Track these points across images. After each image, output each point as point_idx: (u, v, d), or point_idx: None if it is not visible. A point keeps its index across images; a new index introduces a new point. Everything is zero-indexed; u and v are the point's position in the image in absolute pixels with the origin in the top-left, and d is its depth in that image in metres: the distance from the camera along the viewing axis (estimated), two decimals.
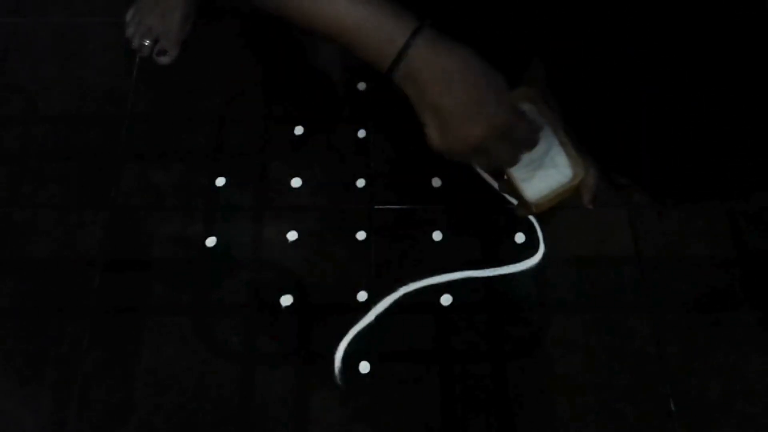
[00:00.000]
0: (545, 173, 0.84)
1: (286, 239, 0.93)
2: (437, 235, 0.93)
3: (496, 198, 0.96)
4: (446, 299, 0.89)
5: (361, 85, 1.05)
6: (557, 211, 0.95)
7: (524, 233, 0.93)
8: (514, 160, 0.72)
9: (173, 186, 0.97)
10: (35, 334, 0.87)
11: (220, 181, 0.97)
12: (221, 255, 0.92)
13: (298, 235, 0.93)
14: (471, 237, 0.93)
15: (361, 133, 1.00)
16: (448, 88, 0.65)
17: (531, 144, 0.71)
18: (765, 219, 0.95)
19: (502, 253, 0.92)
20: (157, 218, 0.95)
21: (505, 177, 0.87)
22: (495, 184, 0.97)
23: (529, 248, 0.93)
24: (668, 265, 0.92)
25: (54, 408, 0.83)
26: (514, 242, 0.93)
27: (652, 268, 0.91)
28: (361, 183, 0.97)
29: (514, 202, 0.94)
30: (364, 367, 0.85)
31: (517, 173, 0.84)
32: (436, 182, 0.97)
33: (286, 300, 0.89)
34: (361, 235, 0.93)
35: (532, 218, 0.94)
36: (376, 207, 0.95)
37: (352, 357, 0.85)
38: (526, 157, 0.84)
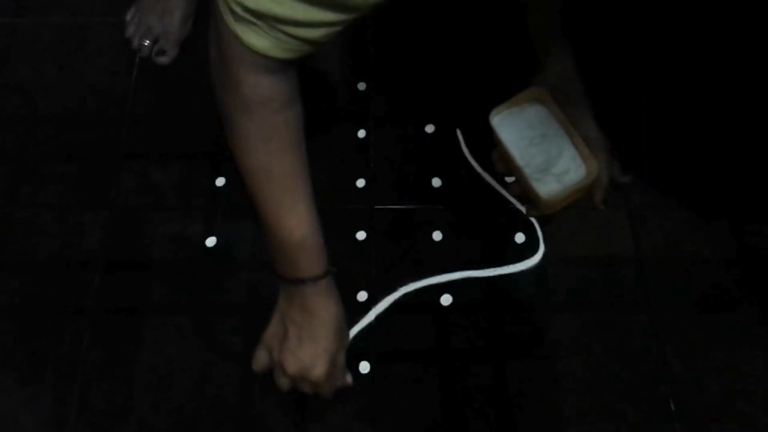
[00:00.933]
0: (558, 172, 0.85)
1: None
2: (437, 235, 0.93)
3: (496, 198, 0.96)
4: (446, 299, 0.89)
5: (361, 85, 1.05)
6: (557, 211, 0.95)
7: (524, 233, 0.93)
8: (326, 394, 0.81)
9: (173, 186, 0.97)
10: (35, 334, 0.87)
11: (220, 181, 0.97)
12: (221, 255, 0.92)
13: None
14: (471, 237, 0.93)
15: (361, 133, 1.00)
16: (312, 321, 0.77)
17: (328, 394, 0.81)
18: (765, 219, 0.95)
19: (502, 253, 0.92)
20: (157, 218, 0.95)
21: (514, 179, 0.88)
22: (495, 184, 0.97)
23: (529, 248, 0.93)
24: (668, 265, 0.92)
25: (54, 408, 0.83)
26: (514, 242, 0.93)
27: (652, 268, 0.91)
28: (361, 183, 0.97)
29: (520, 206, 0.94)
30: (364, 367, 0.85)
31: (529, 173, 0.84)
32: (436, 182, 0.97)
33: None
34: (361, 235, 0.93)
35: (532, 218, 0.94)
36: (376, 207, 0.95)
37: (352, 357, 0.85)
38: (539, 157, 0.85)
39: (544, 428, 0.82)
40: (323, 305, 0.78)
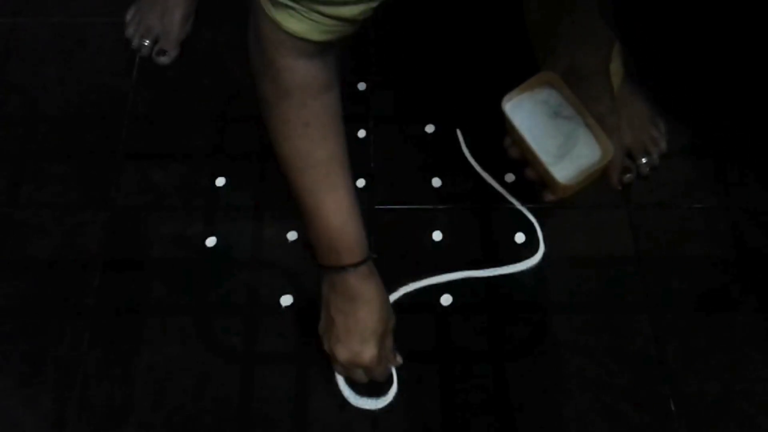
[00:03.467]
0: (573, 155, 0.84)
1: (286, 239, 0.93)
2: (437, 235, 0.93)
3: (496, 198, 0.96)
4: (446, 299, 0.89)
5: (361, 85, 1.05)
6: (557, 210, 0.95)
7: (524, 233, 0.93)
8: (366, 380, 0.82)
9: (173, 186, 0.97)
10: (35, 334, 0.87)
11: (220, 181, 0.97)
12: (221, 255, 0.92)
13: (298, 235, 0.93)
14: (471, 237, 0.93)
15: (361, 133, 1.00)
16: (355, 307, 0.78)
17: (383, 377, 0.83)
18: (765, 219, 0.95)
19: (502, 253, 0.92)
20: (157, 218, 0.95)
21: (529, 164, 0.88)
22: (495, 184, 0.97)
23: (529, 248, 0.93)
24: (668, 265, 0.92)
25: (54, 408, 0.83)
26: (514, 242, 0.93)
27: (652, 268, 0.91)
28: (361, 183, 0.97)
29: (520, 206, 0.94)
30: None
31: (545, 157, 0.83)
32: (436, 182, 0.97)
33: (286, 300, 0.89)
34: None
35: (532, 218, 0.94)
36: (376, 207, 0.95)
37: None
38: (553, 142, 0.85)
39: (544, 428, 0.82)
40: (366, 290, 0.78)
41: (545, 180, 0.85)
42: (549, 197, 0.87)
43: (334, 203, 0.75)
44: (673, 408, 0.83)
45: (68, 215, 0.95)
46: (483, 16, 1.09)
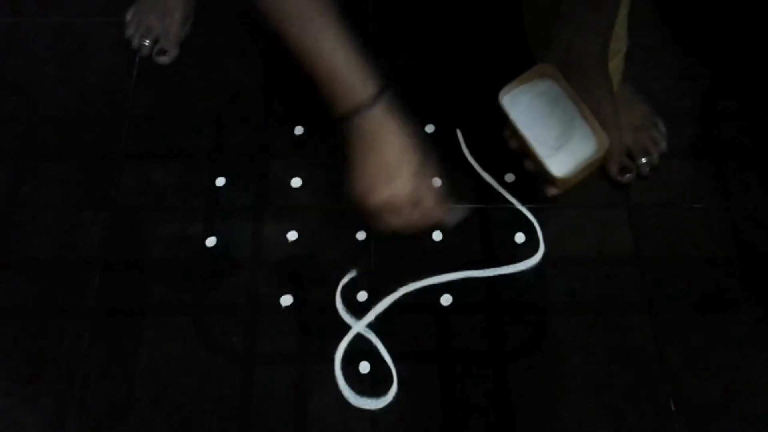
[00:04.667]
0: (570, 148, 0.84)
1: (286, 239, 0.93)
2: (437, 235, 0.93)
3: (496, 198, 0.96)
4: (446, 299, 0.89)
5: None
6: (557, 211, 0.95)
7: (524, 233, 0.93)
8: (418, 224, 0.79)
9: (173, 186, 0.97)
10: (35, 334, 0.87)
11: (220, 181, 0.97)
12: (221, 255, 0.92)
13: (298, 235, 0.93)
14: (471, 237, 0.93)
15: None
16: (379, 148, 0.75)
17: (434, 217, 0.80)
18: (765, 219, 0.95)
19: (502, 253, 0.92)
20: (157, 218, 0.95)
21: (529, 157, 0.88)
22: (495, 184, 0.97)
23: (529, 248, 0.92)
24: (668, 265, 0.92)
25: (54, 408, 0.83)
26: (514, 242, 0.93)
27: (652, 268, 0.91)
28: None
29: (521, 206, 0.94)
30: (364, 367, 0.85)
31: (541, 150, 0.83)
32: (436, 182, 0.97)
33: (286, 300, 0.89)
34: (361, 235, 0.93)
35: (532, 218, 0.94)
36: None
37: (352, 357, 0.85)
38: (550, 134, 0.84)
39: (544, 428, 0.82)
40: (387, 128, 0.75)
41: (543, 173, 0.85)
42: (551, 191, 0.87)
43: (329, 42, 0.73)
44: (673, 408, 0.83)
45: (68, 215, 0.95)
46: (482, 15, 1.09)
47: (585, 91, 0.86)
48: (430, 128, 1.01)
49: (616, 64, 0.93)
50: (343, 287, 0.89)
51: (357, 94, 0.74)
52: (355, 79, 0.75)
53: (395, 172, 0.75)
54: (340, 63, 0.74)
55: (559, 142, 0.83)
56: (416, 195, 0.76)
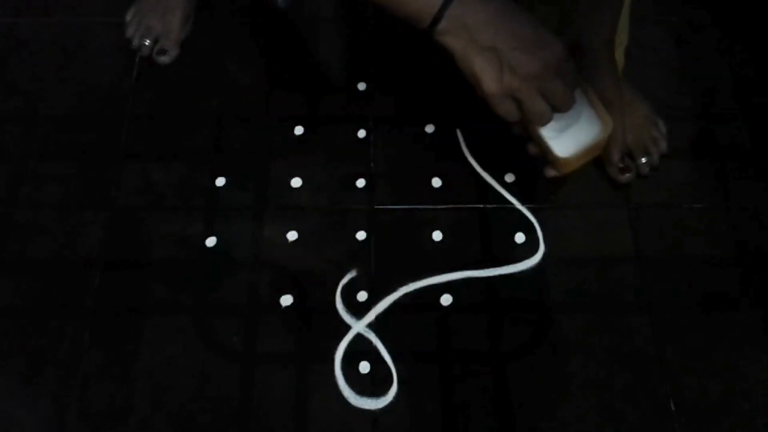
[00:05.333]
0: (573, 130, 0.84)
1: (286, 239, 0.93)
2: (437, 235, 0.93)
3: (496, 198, 0.96)
4: (446, 299, 0.89)
5: (361, 85, 1.05)
6: (557, 211, 0.95)
7: (524, 233, 0.93)
8: (569, 99, 0.74)
9: (173, 186, 0.97)
10: (35, 334, 0.87)
11: (220, 181, 0.97)
12: (221, 255, 0.92)
13: (298, 235, 0.93)
14: (471, 237, 0.93)
15: (361, 133, 1.00)
16: (502, 27, 0.68)
17: (577, 82, 0.75)
18: (765, 219, 0.95)
19: (502, 253, 0.92)
20: (157, 218, 0.95)
21: (533, 139, 0.88)
22: (495, 184, 0.97)
23: (529, 248, 0.93)
24: (668, 265, 0.92)
25: (54, 408, 0.83)
26: (514, 242, 0.93)
27: (652, 268, 0.91)
28: (361, 183, 0.97)
29: (520, 206, 0.94)
30: (364, 367, 0.85)
31: (545, 132, 0.83)
32: (436, 182, 0.97)
33: (286, 300, 0.89)
34: (361, 235, 0.93)
35: (532, 218, 0.94)
36: (376, 207, 0.95)
37: (352, 357, 0.85)
38: (555, 117, 0.84)
39: (544, 428, 0.82)
40: (495, 4, 0.69)
41: (546, 155, 0.85)
42: (551, 173, 0.86)
43: None
44: (673, 408, 0.83)
45: (68, 215, 0.95)
46: None
47: (592, 76, 0.86)
48: (430, 128, 1.01)
49: (617, 57, 0.93)
50: (343, 287, 0.90)
51: None
52: None
53: (533, 43, 0.68)
54: None
55: (563, 124, 0.83)
56: (565, 55, 0.70)
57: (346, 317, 0.87)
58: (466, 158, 0.98)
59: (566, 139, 0.83)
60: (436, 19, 0.70)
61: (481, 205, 0.96)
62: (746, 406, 0.83)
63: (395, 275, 0.90)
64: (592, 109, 0.84)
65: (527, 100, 0.73)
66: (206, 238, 0.93)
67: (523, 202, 0.95)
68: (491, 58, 0.70)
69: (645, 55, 1.06)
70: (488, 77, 0.72)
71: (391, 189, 0.97)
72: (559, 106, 0.76)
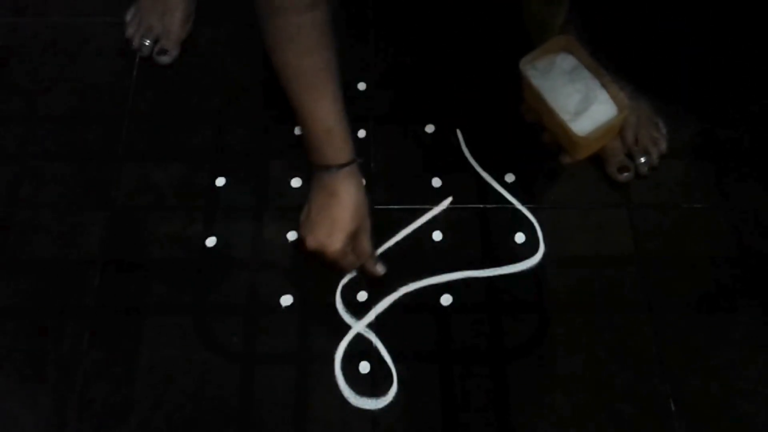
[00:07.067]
0: (591, 112, 0.86)
1: (286, 239, 0.93)
2: (437, 235, 0.93)
3: (496, 198, 0.96)
4: (446, 299, 0.89)
5: (361, 85, 1.05)
6: (557, 211, 0.95)
7: (524, 233, 0.93)
8: (347, 270, 0.90)
9: (173, 186, 0.97)
10: (35, 334, 0.87)
11: (220, 181, 0.97)
12: (221, 255, 0.92)
13: (298, 235, 0.93)
14: (471, 237, 0.93)
15: (361, 133, 1.00)
16: (333, 204, 0.85)
17: (348, 271, 0.90)
18: (765, 219, 0.95)
19: (502, 253, 0.92)
20: (157, 218, 0.95)
21: (546, 128, 0.89)
22: (495, 184, 0.97)
23: (529, 248, 0.93)
24: (668, 265, 0.92)
25: (54, 408, 0.83)
26: (514, 242, 0.93)
27: (652, 268, 0.91)
28: None
29: (520, 206, 0.95)
30: (364, 367, 0.85)
31: (563, 115, 0.85)
32: (436, 182, 0.97)
33: (286, 300, 0.89)
34: None
35: (532, 218, 0.94)
36: (376, 207, 0.95)
37: (352, 357, 0.85)
38: (570, 100, 0.86)
39: (544, 428, 0.82)
40: (345, 189, 0.85)
41: (562, 141, 0.86)
42: (566, 160, 0.89)
43: (321, 110, 0.83)
44: (673, 408, 0.83)
45: (68, 215, 0.95)
46: (482, 15, 1.09)
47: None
48: (430, 128, 1.01)
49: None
50: (343, 287, 0.90)
51: (337, 155, 0.84)
52: (340, 141, 0.84)
53: (334, 230, 0.84)
54: (331, 125, 0.83)
55: (579, 108, 0.85)
56: (342, 253, 0.86)
57: (346, 317, 0.87)
58: (466, 158, 0.98)
59: (583, 120, 0.85)
60: (320, 167, 0.86)
61: (481, 205, 0.96)
62: (746, 406, 0.83)
63: (395, 275, 0.90)
64: (607, 93, 0.85)
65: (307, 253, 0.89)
66: (206, 238, 0.93)
67: (523, 202, 0.95)
68: (308, 212, 0.88)
69: (645, 55, 1.06)
70: (302, 219, 0.89)
71: (391, 189, 0.97)
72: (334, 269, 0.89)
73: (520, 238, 0.93)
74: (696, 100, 1.03)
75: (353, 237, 0.86)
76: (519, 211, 0.95)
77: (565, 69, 0.88)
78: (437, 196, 0.96)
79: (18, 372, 0.85)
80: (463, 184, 0.97)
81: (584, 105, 0.85)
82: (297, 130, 1.00)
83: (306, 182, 0.97)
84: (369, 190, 0.96)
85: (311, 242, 0.86)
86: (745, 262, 0.92)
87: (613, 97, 0.86)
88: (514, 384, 0.84)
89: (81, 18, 1.11)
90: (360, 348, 0.86)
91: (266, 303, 0.89)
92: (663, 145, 0.98)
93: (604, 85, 0.86)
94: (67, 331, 0.87)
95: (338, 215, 0.85)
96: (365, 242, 0.88)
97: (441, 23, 1.10)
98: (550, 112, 0.86)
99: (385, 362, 0.85)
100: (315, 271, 0.91)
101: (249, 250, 0.92)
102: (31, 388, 0.84)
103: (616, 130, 0.89)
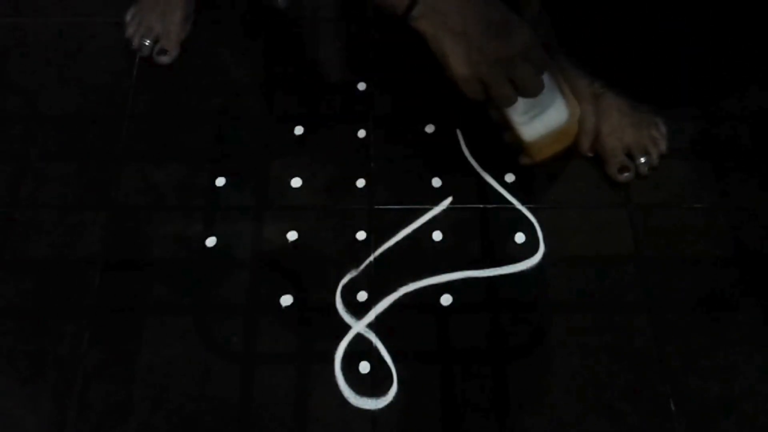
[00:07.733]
0: (542, 116, 0.86)
1: (286, 239, 0.93)
2: (437, 235, 0.93)
3: (496, 198, 0.96)
4: (446, 299, 0.89)
5: (361, 85, 1.05)
6: (557, 211, 0.95)
7: (524, 233, 0.93)
8: (536, 85, 0.76)
9: (173, 186, 0.97)
10: (35, 334, 0.87)
11: (220, 181, 0.97)
12: (221, 255, 0.92)
13: (298, 235, 0.93)
14: (471, 237, 0.93)
15: (361, 133, 1.00)
16: (471, 12, 0.71)
17: (546, 65, 0.77)
18: (765, 219, 0.95)
19: (502, 253, 0.92)
20: (157, 218, 0.95)
21: (509, 126, 0.89)
22: (495, 184, 0.97)
23: (529, 248, 0.93)
24: (668, 265, 0.92)
25: (54, 408, 0.83)
26: (514, 242, 0.93)
27: (652, 268, 0.91)
28: (361, 183, 0.97)
29: (520, 206, 0.95)
30: (364, 367, 0.85)
31: (516, 117, 0.86)
32: (436, 182, 0.97)
33: (286, 300, 0.89)
34: (361, 235, 0.93)
35: (532, 218, 0.94)
36: (376, 207, 0.95)
37: (352, 357, 0.85)
38: (525, 104, 0.86)
39: (544, 428, 0.82)
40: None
41: (519, 141, 0.87)
42: (525, 161, 0.91)
43: None
44: (673, 408, 0.83)
45: (68, 215, 0.95)
46: None
47: (561, 68, 0.87)
48: (430, 128, 1.01)
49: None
50: (343, 287, 0.90)
51: None
52: None
53: (502, 28, 0.72)
54: None
55: (534, 112, 0.85)
56: (533, 41, 0.74)
57: (346, 317, 0.88)
58: (466, 158, 0.98)
59: (535, 124, 0.86)
60: (411, 5, 0.73)
61: (481, 205, 0.96)
62: (746, 406, 0.83)
63: (395, 275, 0.90)
64: (562, 99, 0.85)
65: (493, 83, 0.76)
66: (206, 238, 0.93)
67: (523, 202, 0.95)
68: (460, 41, 0.74)
69: (644, 55, 1.06)
70: (456, 59, 0.75)
71: (391, 189, 0.97)
72: (526, 91, 0.78)
73: (520, 238, 0.93)
74: (696, 100, 1.03)
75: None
76: (519, 211, 0.95)
77: None
78: (437, 196, 0.96)
79: (18, 372, 0.85)
80: (463, 184, 0.97)
81: (539, 110, 0.85)
82: (297, 130, 1.00)
83: (306, 182, 0.97)
84: (369, 190, 0.97)
85: (494, 53, 0.71)
86: (745, 262, 0.92)
87: (568, 104, 0.86)
88: (514, 384, 0.84)
89: (81, 18, 1.11)
90: (360, 348, 0.86)
91: (266, 303, 0.89)
92: (663, 145, 0.98)
93: (560, 90, 0.86)
94: (67, 331, 0.87)
95: (491, 11, 0.72)
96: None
97: None
98: (506, 115, 0.86)
99: (385, 362, 0.85)
100: (315, 271, 0.91)
101: (249, 250, 0.92)
102: (31, 389, 0.84)
103: (571, 135, 0.89)
